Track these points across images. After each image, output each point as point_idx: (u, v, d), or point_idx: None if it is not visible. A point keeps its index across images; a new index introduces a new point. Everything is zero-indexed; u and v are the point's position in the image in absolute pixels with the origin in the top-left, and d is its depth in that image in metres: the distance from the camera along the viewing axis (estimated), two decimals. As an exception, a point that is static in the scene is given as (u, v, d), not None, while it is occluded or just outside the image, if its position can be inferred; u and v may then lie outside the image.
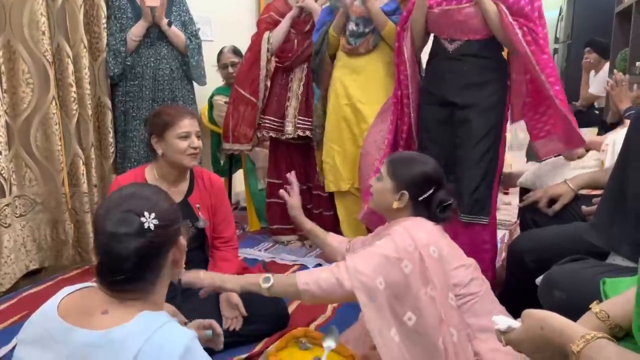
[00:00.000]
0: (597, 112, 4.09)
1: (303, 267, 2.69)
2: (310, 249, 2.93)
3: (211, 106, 3.32)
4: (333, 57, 2.62)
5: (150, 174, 1.88)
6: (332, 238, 1.85)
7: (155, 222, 0.94)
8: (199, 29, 2.87)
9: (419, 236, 1.40)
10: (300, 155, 2.93)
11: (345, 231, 2.70)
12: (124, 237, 0.92)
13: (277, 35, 2.77)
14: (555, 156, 2.32)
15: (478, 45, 2.08)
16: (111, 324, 0.89)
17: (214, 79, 3.23)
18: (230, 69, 3.22)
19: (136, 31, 2.63)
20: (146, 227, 0.93)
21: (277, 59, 2.84)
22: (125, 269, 0.92)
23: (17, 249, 2.35)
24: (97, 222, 0.96)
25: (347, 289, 1.29)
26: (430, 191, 1.51)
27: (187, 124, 1.82)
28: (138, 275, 0.95)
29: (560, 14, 5.91)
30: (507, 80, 2.16)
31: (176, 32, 2.73)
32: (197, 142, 1.83)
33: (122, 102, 2.72)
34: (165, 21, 2.67)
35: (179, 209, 1.05)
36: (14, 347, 1.84)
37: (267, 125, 2.86)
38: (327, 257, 1.72)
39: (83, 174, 2.55)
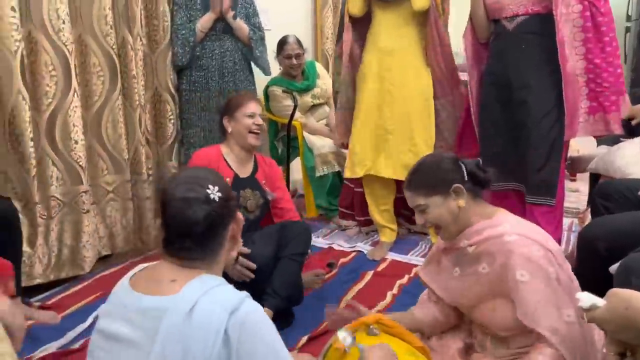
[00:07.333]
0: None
1: (360, 253, 2.70)
2: (366, 236, 2.95)
3: (267, 97, 3.37)
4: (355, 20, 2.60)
5: (224, 150, 2.15)
6: (417, 313, 1.59)
7: (219, 194, 1.03)
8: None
9: (533, 235, 1.32)
10: None
11: (377, 219, 2.73)
12: (194, 202, 1.01)
13: None
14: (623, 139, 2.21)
15: (539, 22, 2.03)
16: (179, 290, 0.97)
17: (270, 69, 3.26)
18: (294, 60, 3.25)
19: (204, 22, 2.71)
20: (211, 197, 1.02)
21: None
22: (194, 234, 1.01)
23: (91, 234, 2.48)
24: (167, 193, 1.04)
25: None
26: (465, 166, 1.42)
27: (253, 106, 2.14)
28: (203, 242, 1.03)
29: (632, -10, 5.54)
30: None
31: (241, 25, 2.79)
32: (260, 121, 2.12)
33: (187, 91, 2.80)
34: (231, 14, 2.73)
35: (231, 189, 1.12)
36: (90, 325, 1.96)
37: None
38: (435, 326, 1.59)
39: (142, 161, 2.67)
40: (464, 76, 2.55)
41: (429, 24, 2.43)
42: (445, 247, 1.50)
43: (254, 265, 1.87)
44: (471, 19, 2.27)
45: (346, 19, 2.62)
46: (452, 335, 1.56)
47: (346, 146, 3.06)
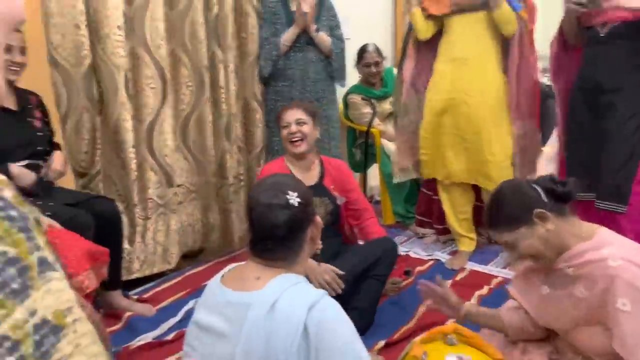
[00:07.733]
0: None
1: (437, 261, 2.68)
2: (444, 245, 2.91)
3: (346, 104, 3.43)
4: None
5: (287, 160, 2.19)
6: (505, 316, 1.53)
7: (298, 200, 1.12)
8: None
9: None
10: None
11: (455, 228, 2.71)
12: (275, 207, 1.10)
13: None
14: None
15: (632, 27, 1.95)
16: (262, 286, 1.06)
17: (349, 77, 3.32)
18: (373, 69, 3.30)
19: (288, 37, 2.83)
20: (291, 202, 1.11)
21: None
22: (275, 236, 1.10)
23: (177, 232, 2.66)
24: (252, 199, 1.15)
25: None
26: (539, 185, 1.33)
27: (286, 115, 2.13)
28: (285, 244, 1.12)
29: None
30: None
31: (323, 38, 2.88)
32: (294, 129, 2.09)
33: (272, 100, 2.94)
34: (314, 27, 2.83)
35: (312, 194, 1.21)
36: (180, 319, 2.11)
37: None
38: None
39: (232, 167, 2.83)
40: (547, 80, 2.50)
41: (512, 42, 2.44)
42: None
43: (342, 284, 1.87)
44: (561, 27, 2.22)
45: (410, 48, 2.68)
46: (537, 348, 1.49)
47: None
